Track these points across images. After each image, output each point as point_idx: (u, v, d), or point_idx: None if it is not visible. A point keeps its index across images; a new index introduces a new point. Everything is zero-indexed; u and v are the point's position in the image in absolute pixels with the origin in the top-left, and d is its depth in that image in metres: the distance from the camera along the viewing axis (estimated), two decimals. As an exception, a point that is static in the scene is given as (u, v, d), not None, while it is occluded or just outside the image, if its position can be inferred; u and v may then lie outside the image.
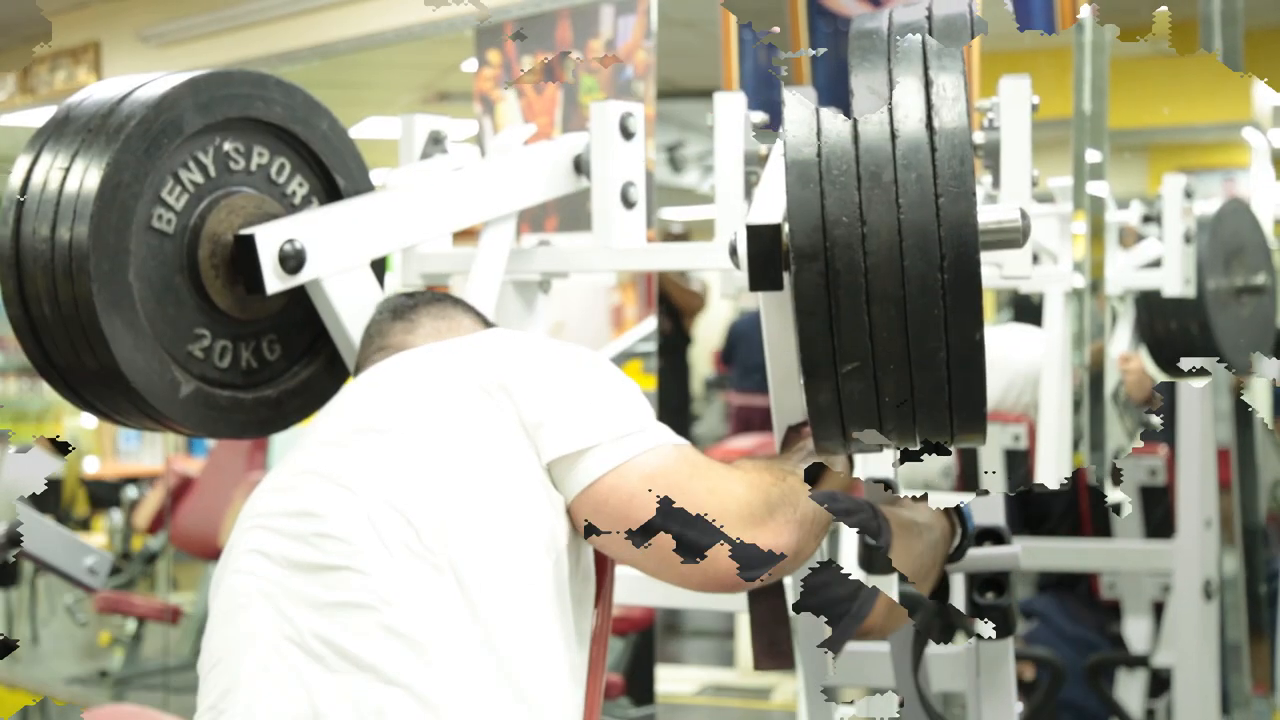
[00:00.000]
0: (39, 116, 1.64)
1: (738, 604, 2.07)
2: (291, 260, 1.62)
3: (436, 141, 1.99)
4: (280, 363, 1.74)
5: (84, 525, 6.81)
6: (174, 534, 5.18)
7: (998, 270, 1.95)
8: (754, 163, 2.04)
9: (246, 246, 1.61)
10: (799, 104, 1.17)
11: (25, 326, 1.57)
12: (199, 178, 1.63)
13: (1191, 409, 2.58)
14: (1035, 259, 2.95)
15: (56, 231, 1.52)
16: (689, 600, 2.29)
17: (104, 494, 6.68)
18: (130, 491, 5.78)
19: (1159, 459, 2.87)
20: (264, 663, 1.27)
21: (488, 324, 1.65)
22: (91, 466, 7.20)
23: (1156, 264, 3.30)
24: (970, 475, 3.21)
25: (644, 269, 3.34)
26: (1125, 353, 3.52)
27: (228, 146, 1.67)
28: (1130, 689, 2.83)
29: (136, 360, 1.54)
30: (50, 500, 6.81)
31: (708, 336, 7.50)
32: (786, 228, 1.15)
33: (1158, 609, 2.87)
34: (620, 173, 1.98)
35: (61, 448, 2.16)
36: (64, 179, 1.53)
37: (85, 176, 1.52)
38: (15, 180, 1.58)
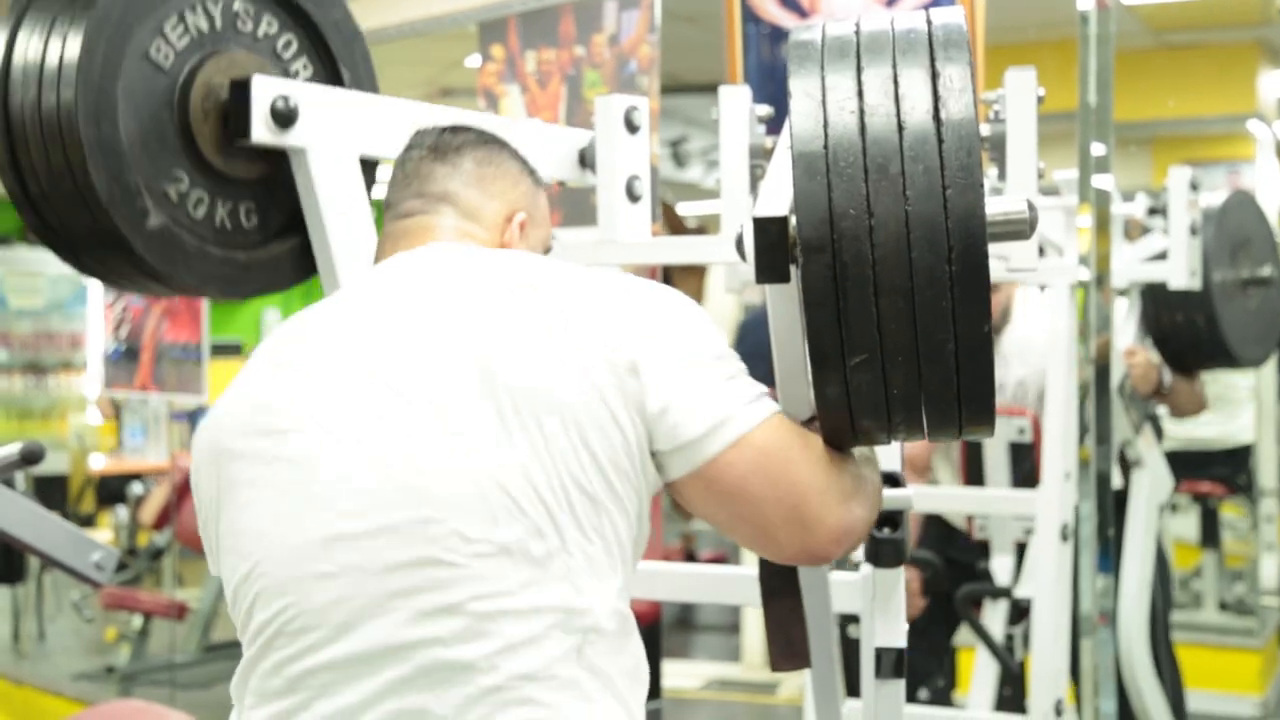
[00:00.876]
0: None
1: (743, 599, 2.07)
2: (282, 116, 1.62)
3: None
4: (254, 234, 1.73)
5: (89, 521, 6.82)
6: (179, 530, 5.19)
7: (1004, 263, 1.94)
8: (759, 156, 2.04)
9: (241, 92, 1.62)
10: (805, 96, 1.17)
11: (3, 132, 1.57)
12: (204, 25, 1.65)
13: (1058, 380, 2.77)
14: (1041, 252, 2.95)
15: (50, 39, 1.53)
16: (695, 595, 2.30)
17: (110, 490, 6.69)
18: (136, 487, 5.79)
19: (1027, 420, 3.09)
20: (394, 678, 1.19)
21: (532, 171, 1.53)
22: (98, 463, 7.21)
23: (1162, 256, 3.30)
24: (975, 467, 3.21)
25: (649, 263, 3.34)
26: (1130, 346, 3.51)
27: (238, 6, 1.68)
28: (994, 617, 3.11)
29: (109, 173, 1.53)
30: (56, 496, 6.82)
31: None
32: (793, 220, 1.15)
33: (1020, 548, 3.15)
34: (625, 167, 1.98)
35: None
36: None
37: None
38: (9, 20, 1.59)
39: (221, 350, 6.49)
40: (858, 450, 1.36)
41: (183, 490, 5.23)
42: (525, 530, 1.20)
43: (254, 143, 1.62)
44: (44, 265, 8.69)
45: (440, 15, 4.14)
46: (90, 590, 5.13)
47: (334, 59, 1.78)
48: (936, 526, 3.41)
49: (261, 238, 1.73)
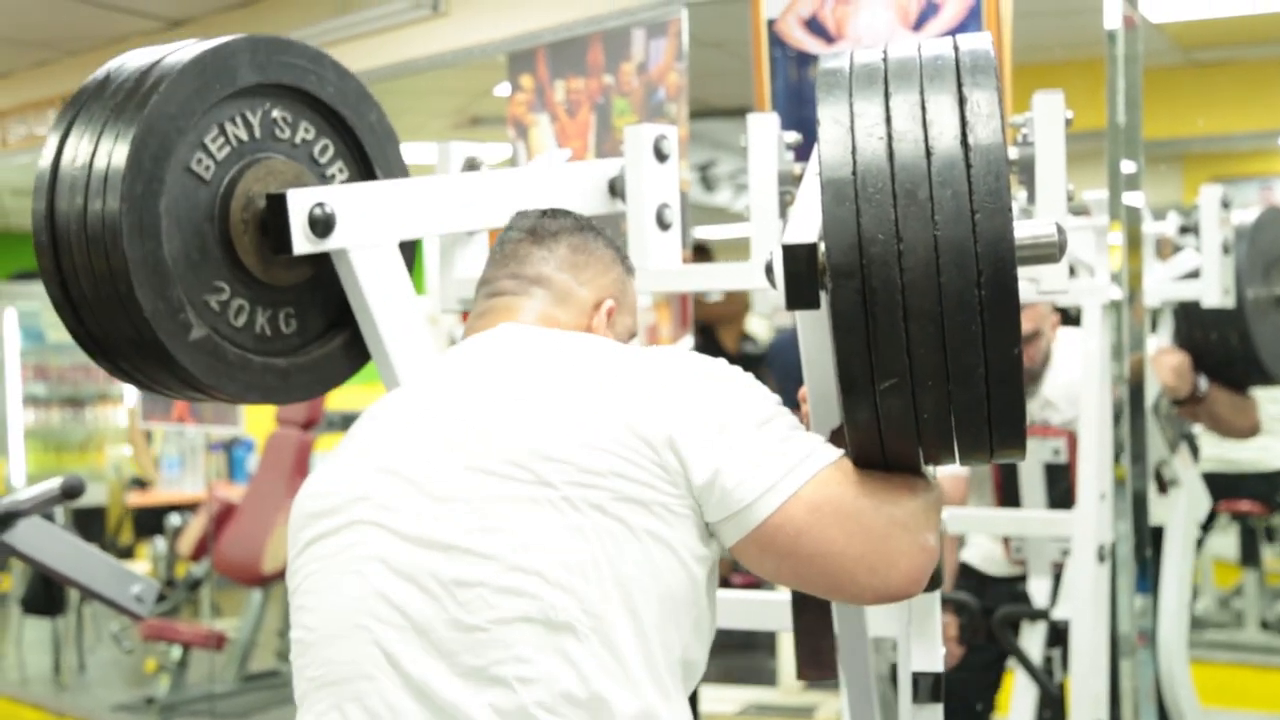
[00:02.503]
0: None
1: (777, 624, 2.07)
2: (320, 224, 1.64)
3: (473, 168, 2.01)
4: (294, 338, 1.75)
5: (128, 553, 6.86)
6: (216, 560, 5.21)
7: (1034, 285, 1.94)
8: (788, 183, 2.05)
9: (277, 205, 1.64)
10: (834, 123, 1.18)
11: (49, 244, 1.58)
12: (244, 135, 1.66)
13: (1091, 398, 2.77)
14: (1072, 272, 2.94)
15: (97, 153, 1.54)
16: (730, 620, 2.29)
17: (148, 522, 6.72)
18: (174, 519, 5.82)
19: (1062, 441, 3.08)
20: None
21: (624, 259, 1.61)
22: (135, 494, 7.25)
23: (1195, 275, 3.28)
24: (1009, 488, 3.20)
25: (680, 290, 3.35)
26: (1163, 346, 3.48)
27: (276, 114, 1.70)
28: (1032, 639, 3.09)
29: (153, 289, 1.55)
30: (95, 528, 6.87)
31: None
32: (822, 246, 1.16)
33: (1058, 570, 3.15)
34: (655, 195, 1.99)
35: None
36: (112, 110, 1.56)
37: (132, 105, 1.55)
38: (58, 128, 1.60)
39: (256, 381, 6.52)
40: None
41: (220, 521, 5.25)
42: (547, 602, 1.24)
43: (296, 255, 1.65)
44: (80, 299, 8.77)
45: (470, 46, 4.18)
46: (129, 622, 5.15)
47: (369, 161, 1.80)
48: (968, 579, 3.39)
49: (300, 342, 1.75)
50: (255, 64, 1.65)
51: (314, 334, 1.76)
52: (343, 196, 1.68)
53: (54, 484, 2.16)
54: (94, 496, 7.12)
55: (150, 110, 1.54)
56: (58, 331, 8.60)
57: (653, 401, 1.30)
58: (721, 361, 1.37)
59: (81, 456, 8.23)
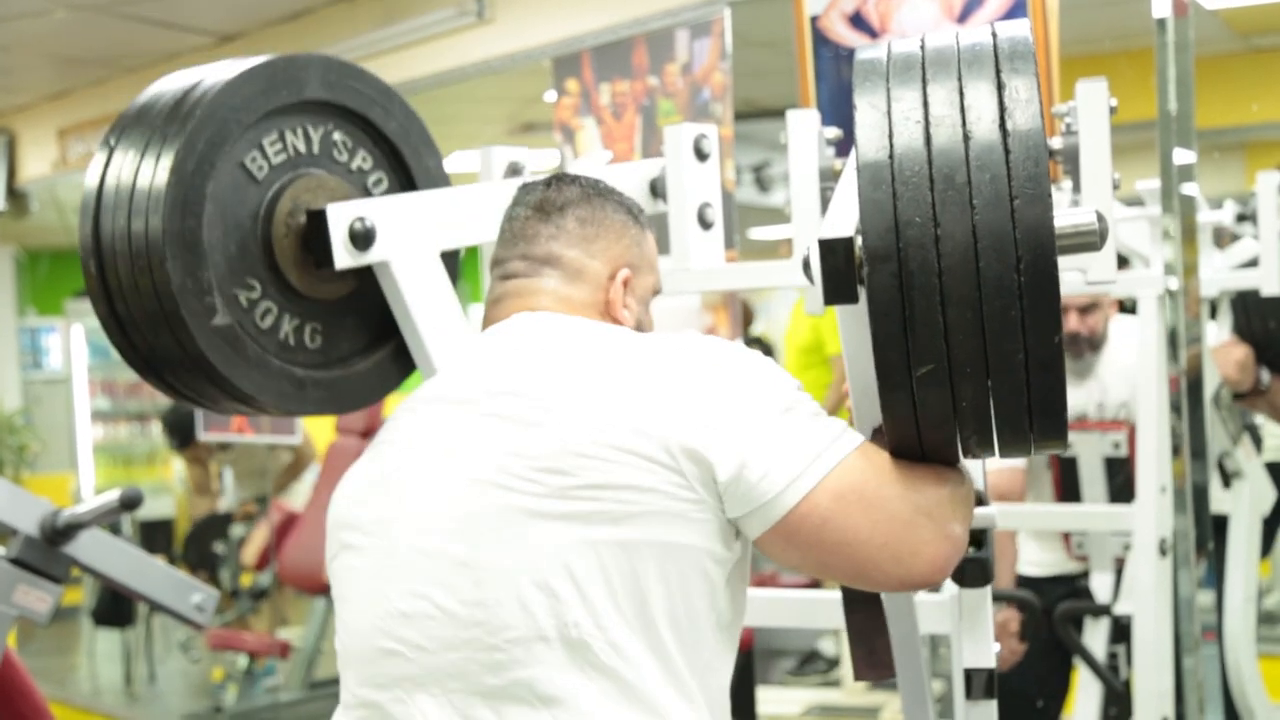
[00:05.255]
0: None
1: (834, 622, 2.06)
2: (361, 238, 1.65)
3: (515, 172, 2.01)
4: (317, 355, 1.74)
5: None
6: (280, 569, 5.26)
7: (1082, 276, 1.92)
8: (829, 179, 2.04)
9: (318, 221, 1.65)
10: (870, 108, 1.17)
11: (93, 207, 1.60)
12: (302, 147, 1.68)
13: (1149, 390, 2.73)
14: (1127, 263, 2.91)
15: (145, 156, 1.57)
16: (784, 620, 2.28)
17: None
18: (237, 529, 5.88)
19: (1122, 434, 3.04)
20: None
21: (636, 218, 1.56)
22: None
23: (1253, 263, 3.23)
24: (1069, 483, 3.16)
25: (722, 289, 3.34)
26: (1225, 339, 3.43)
27: (338, 136, 1.71)
28: (1095, 635, 3.06)
29: (185, 265, 1.55)
30: (162, 540, 6.97)
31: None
32: (859, 240, 1.15)
33: (1119, 565, 3.12)
34: (696, 194, 1.98)
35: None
36: (176, 100, 1.59)
37: (197, 93, 1.58)
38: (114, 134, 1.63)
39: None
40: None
41: (282, 530, 5.30)
42: (562, 620, 1.24)
43: (338, 269, 1.65)
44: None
45: (515, 52, 4.19)
46: (196, 632, 5.22)
47: None
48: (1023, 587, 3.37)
49: (323, 360, 1.75)
50: (325, 81, 1.67)
51: (337, 355, 1.76)
52: (382, 209, 1.69)
53: (113, 496, 2.19)
54: (161, 509, 7.22)
55: (214, 98, 1.56)
56: (123, 347, 8.73)
57: (668, 404, 1.28)
58: (737, 346, 1.35)
59: (149, 470, 8.34)
